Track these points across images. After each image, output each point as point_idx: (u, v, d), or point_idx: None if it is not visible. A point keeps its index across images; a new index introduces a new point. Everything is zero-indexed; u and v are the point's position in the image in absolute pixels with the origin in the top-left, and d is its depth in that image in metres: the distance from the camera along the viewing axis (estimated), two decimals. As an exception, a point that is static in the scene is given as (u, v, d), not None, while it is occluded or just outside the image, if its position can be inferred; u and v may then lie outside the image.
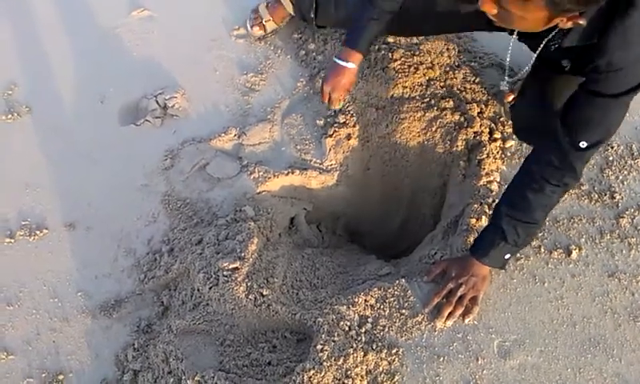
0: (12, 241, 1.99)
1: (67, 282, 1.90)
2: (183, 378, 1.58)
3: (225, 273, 1.74)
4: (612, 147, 1.94)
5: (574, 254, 1.75)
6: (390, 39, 2.20)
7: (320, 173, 2.08)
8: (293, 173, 2.06)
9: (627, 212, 1.81)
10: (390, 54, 2.16)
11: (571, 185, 1.56)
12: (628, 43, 1.30)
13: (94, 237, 1.99)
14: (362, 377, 1.55)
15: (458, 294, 1.64)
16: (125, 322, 1.81)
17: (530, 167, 1.57)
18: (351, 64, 1.81)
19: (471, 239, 1.77)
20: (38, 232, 1.99)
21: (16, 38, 2.56)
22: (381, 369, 1.57)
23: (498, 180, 1.91)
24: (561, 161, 1.48)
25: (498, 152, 1.96)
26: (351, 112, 2.16)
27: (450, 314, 1.64)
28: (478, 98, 2.10)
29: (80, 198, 2.07)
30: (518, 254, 1.72)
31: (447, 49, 2.21)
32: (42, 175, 2.14)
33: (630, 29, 1.29)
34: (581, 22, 1.26)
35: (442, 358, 1.59)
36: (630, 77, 1.35)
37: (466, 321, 1.64)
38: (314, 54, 2.35)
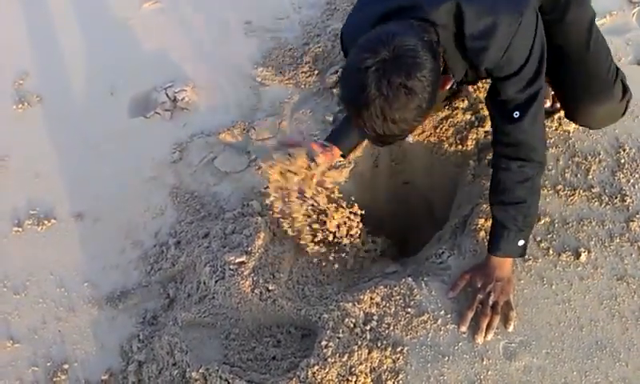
0: (20, 230, 2.00)
1: (74, 272, 1.91)
2: (187, 370, 1.58)
3: (231, 267, 1.74)
4: (624, 150, 1.92)
5: (583, 257, 1.73)
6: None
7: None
8: (301, 168, 2.05)
9: (638, 215, 1.79)
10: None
11: (536, 157, 1.56)
12: (490, 42, 1.43)
13: (102, 228, 2.00)
14: (366, 374, 1.54)
15: (490, 302, 1.62)
16: (130, 314, 1.82)
17: (493, 150, 1.64)
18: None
19: (480, 239, 1.76)
20: (46, 222, 2.00)
21: (28, 28, 2.57)
22: (385, 367, 1.56)
23: (508, 180, 1.89)
24: (507, 136, 1.55)
25: (507, 152, 1.94)
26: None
27: (489, 325, 1.60)
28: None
29: (88, 189, 2.08)
30: (526, 256, 1.70)
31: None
32: (52, 165, 2.15)
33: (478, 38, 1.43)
34: (452, 79, 1.54)
35: (446, 358, 1.58)
36: (514, 57, 1.46)
37: (509, 328, 1.61)
38: (324, 51, 2.34)
